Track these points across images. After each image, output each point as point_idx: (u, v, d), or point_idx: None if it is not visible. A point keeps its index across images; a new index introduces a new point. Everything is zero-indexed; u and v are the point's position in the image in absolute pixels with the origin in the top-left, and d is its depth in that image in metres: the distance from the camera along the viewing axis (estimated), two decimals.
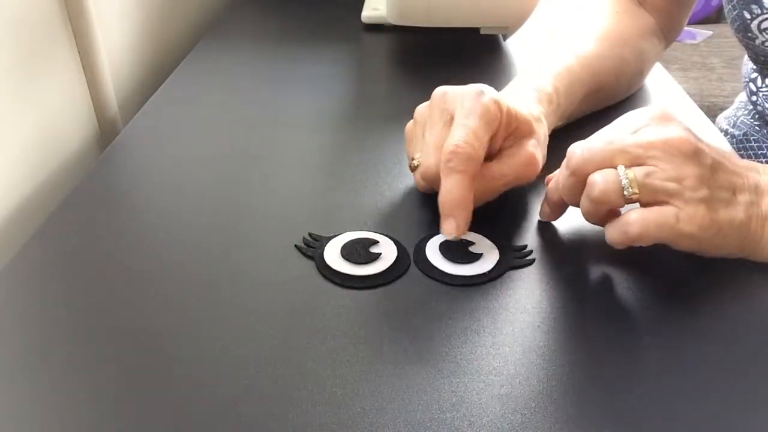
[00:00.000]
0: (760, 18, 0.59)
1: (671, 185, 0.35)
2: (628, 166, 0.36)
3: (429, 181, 0.42)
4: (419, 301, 0.37)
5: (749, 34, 0.61)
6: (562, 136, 0.46)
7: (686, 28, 2.30)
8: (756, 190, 0.38)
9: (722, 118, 0.78)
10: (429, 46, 0.73)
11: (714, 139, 0.54)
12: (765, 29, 0.60)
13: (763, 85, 0.68)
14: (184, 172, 0.49)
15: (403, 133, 0.46)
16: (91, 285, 0.38)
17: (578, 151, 0.38)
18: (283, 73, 0.65)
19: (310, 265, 0.39)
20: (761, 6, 0.59)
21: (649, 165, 0.36)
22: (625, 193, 0.36)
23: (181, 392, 0.31)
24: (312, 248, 0.40)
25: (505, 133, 0.42)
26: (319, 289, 0.38)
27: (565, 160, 0.39)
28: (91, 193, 0.46)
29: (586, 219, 0.39)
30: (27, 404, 0.31)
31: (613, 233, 0.37)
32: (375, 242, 0.41)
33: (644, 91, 0.62)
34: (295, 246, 0.41)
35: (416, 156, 0.44)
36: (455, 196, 0.38)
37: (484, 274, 0.39)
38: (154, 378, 0.32)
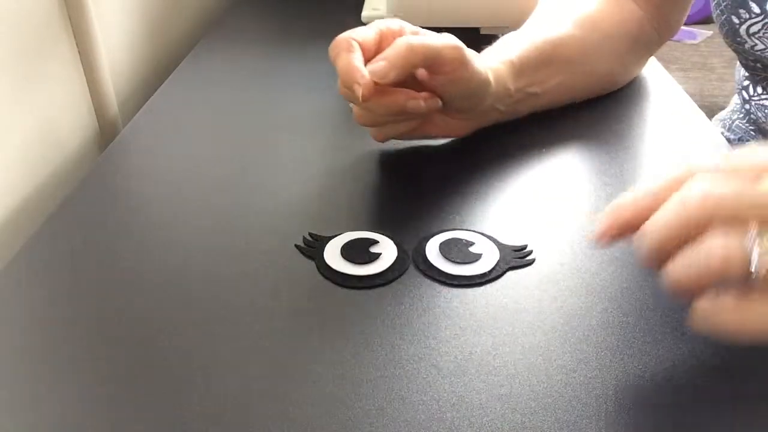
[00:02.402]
0: (748, 22, 0.59)
1: None
2: (761, 231, 0.25)
3: (347, 88, 0.41)
4: (419, 301, 0.37)
5: (738, 39, 0.61)
6: (556, 128, 0.46)
7: (686, 28, 2.30)
8: None
9: (717, 120, 0.78)
10: None
11: (714, 140, 0.54)
12: (753, 33, 0.59)
13: (755, 94, 0.68)
14: (184, 172, 0.49)
15: None
16: (91, 285, 0.38)
17: (698, 190, 0.27)
18: (283, 73, 0.65)
19: (310, 265, 0.39)
20: (749, 10, 0.59)
21: None
22: (752, 269, 0.25)
23: (181, 392, 0.31)
24: (312, 248, 0.40)
25: (425, 64, 0.43)
26: (319, 289, 0.38)
27: (676, 194, 0.28)
28: (91, 193, 0.47)
29: (672, 279, 0.29)
30: (27, 404, 0.31)
31: (706, 319, 0.28)
32: (375, 242, 0.41)
33: (644, 91, 0.62)
34: (295, 246, 0.41)
35: None
36: (344, 64, 0.41)
37: (484, 274, 0.39)
38: (154, 378, 0.32)
